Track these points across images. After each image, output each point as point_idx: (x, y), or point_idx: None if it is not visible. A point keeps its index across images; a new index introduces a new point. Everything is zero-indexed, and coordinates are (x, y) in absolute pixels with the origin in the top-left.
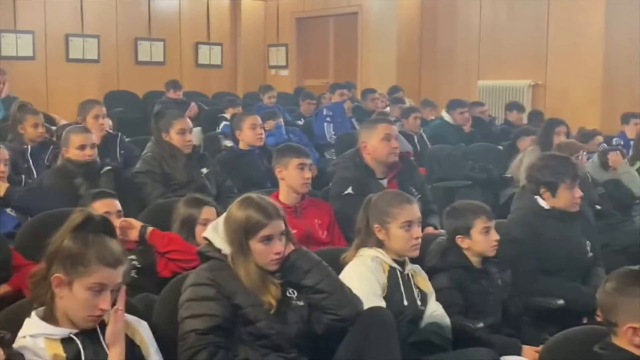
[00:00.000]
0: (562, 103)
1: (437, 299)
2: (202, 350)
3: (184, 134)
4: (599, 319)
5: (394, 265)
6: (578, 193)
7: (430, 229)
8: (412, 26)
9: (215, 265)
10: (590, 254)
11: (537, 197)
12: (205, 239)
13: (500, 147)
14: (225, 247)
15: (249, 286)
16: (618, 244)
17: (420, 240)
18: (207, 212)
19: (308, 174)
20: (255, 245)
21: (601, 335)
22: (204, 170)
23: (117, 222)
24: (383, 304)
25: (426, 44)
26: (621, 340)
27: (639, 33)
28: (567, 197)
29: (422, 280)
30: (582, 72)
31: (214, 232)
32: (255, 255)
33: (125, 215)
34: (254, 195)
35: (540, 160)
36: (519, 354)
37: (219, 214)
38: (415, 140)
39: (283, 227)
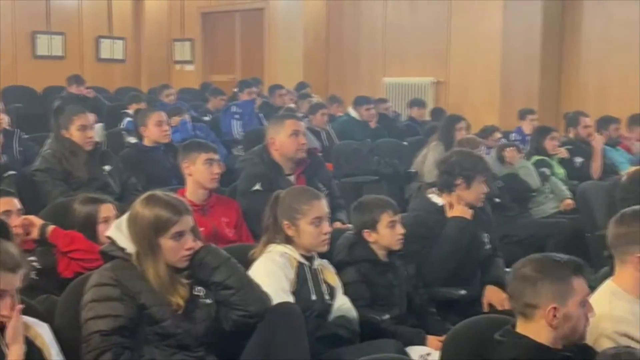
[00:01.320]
0: (463, 100)
1: (345, 293)
2: (106, 352)
3: (84, 130)
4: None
5: (303, 260)
6: (486, 189)
7: (338, 224)
8: (318, 23)
9: (119, 265)
10: (489, 246)
11: (431, 196)
12: (109, 238)
13: (405, 143)
14: (129, 246)
15: (157, 287)
16: (516, 236)
17: (329, 235)
18: (106, 209)
19: (216, 169)
20: (166, 242)
21: (501, 323)
22: (107, 168)
23: (18, 220)
24: (291, 299)
25: (332, 41)
26: (534, 325)
27: (535, 33)
28: (478, 191)
29: (330, 275)
30: (481, 70)
31: (118, 230)
32: (165, 253)
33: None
34: (158, 192)
35: (459, 153)
36: (423, 343)
37: (119, 211)
38: (323, 136)
39: (192, 222)
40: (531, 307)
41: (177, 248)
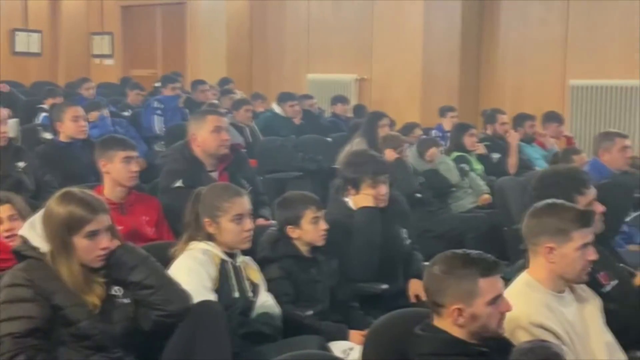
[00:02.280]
0: (386, 97)
1: (268, 289)
2: (19, 354)
3: None
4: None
5: (225, 257)
6: (383, 190)
7: (261, 220)
8: (241, 18)
9: (32, 265)
10: (409, 241)
11: (348, 199)
12: (21, 237)
13: (329, 139)
14: (43, 245)
15: (72, 286)
16: (436, 230)
17: (251, 232)
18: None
19: (135, 167)
20: (80, 241)
21: (422, 317)
22: (21, 164)
23: None
24: (213, 297)
25: (256, 37)
26: (444, 321)
27: (455, 32)
28: (377, 192)
29: (253, 272)
30: (403, 68)
31: (31, 229)
32: (79, 252)
33: None
34: (74, 189)
35: (345, 157)
36: (346, 338)
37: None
38: (247, 132)
39: (108, 221)
40: (438, 305)
41: (91, 247)
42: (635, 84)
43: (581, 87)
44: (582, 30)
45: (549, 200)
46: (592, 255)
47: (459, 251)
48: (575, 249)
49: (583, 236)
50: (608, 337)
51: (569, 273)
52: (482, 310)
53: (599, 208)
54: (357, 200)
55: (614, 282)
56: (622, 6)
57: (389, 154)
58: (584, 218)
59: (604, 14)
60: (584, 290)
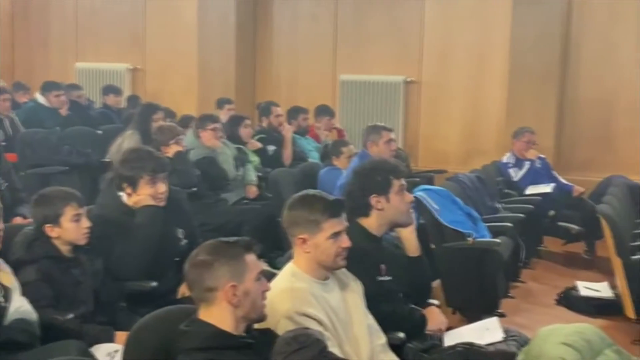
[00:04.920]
0: (161, 88)
1: (24, 294)
2: None
3: None
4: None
5: None
6: (161, 188)
7: (18, 219)
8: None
9: None
10: (185, 241)
11: (122, 194)
12: None
13: (100, 132)
14: None
15: None
16: (213, 223)
17: (1, 233)
18: None
19: None
20: None
21: (188, 313)
22: None
23: None
24: None
25: (19, 22)
26: (217, 308)
27: (229, 26)
28: (149, 192)
29: (5, 275)
30: (179, 59)
31: None
32: None
33: None
34: None
35: (122, 154)
36: (112, 340)
37: None
38: (6, 124)
39: None
40: (211, 290)
41: None
42: (398, 80)
43: (350, 82)
44: (349, 27)
45: (302, 193)
46: (345, 242)
47: (216, 239)
48: (326, 239)
49: (333, 225)
50: (369, 319)
51: (325, 261)
52: (252, 286)
53: (409, 197)
54: (136, 200)
55: (388, 278)
56: (386, 5)
57: (174, 147)
58: (332, 208)
59: (369, 11)
60: (346, 275)
